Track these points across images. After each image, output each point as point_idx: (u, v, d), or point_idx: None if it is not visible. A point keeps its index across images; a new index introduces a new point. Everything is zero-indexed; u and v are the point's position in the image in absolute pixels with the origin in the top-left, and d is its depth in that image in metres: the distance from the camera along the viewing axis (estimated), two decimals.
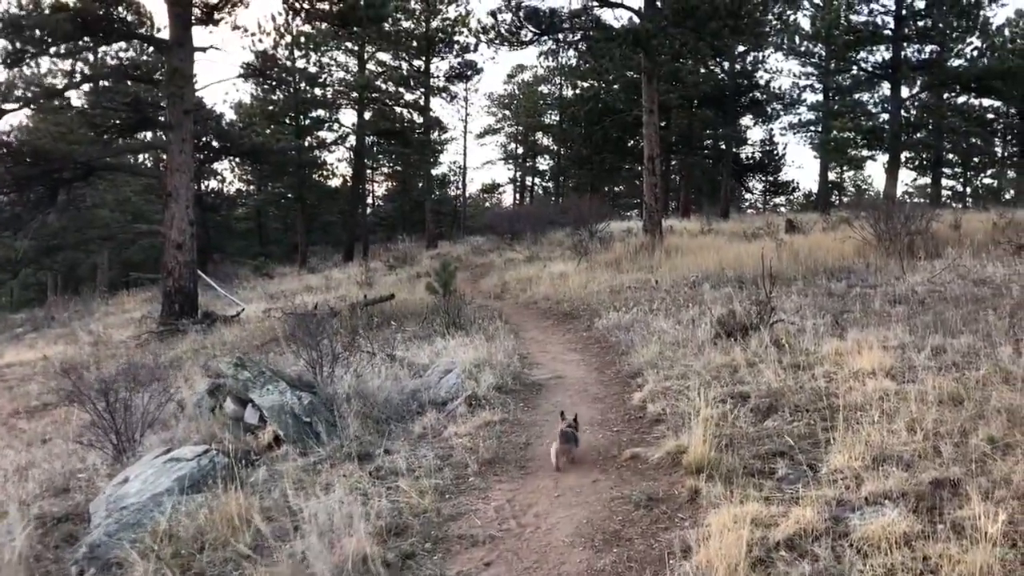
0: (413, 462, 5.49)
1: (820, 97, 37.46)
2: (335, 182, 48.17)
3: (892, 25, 27.20)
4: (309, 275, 29.66)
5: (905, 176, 52.65)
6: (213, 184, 51.88)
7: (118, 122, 19.64)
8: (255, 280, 30.46)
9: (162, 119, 20.38)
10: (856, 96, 33.12)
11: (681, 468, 4.87)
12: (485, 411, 6.65)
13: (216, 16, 19.05)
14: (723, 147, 42.55)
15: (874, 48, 28.45)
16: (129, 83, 21.63)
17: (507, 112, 56.61)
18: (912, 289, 10.60)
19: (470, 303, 14.42)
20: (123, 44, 19.69)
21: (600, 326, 10.64)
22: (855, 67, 29.76)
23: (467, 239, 36.53)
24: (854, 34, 27.12)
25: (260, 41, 34.54)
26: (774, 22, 32.64)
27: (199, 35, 67.66)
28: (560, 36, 19.81)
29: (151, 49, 20.49)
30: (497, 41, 20.32)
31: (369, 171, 55.08)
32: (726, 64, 38.98)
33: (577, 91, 46.78)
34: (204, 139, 29.70)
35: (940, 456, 4.45)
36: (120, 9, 18.92)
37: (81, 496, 6.11)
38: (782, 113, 40.86)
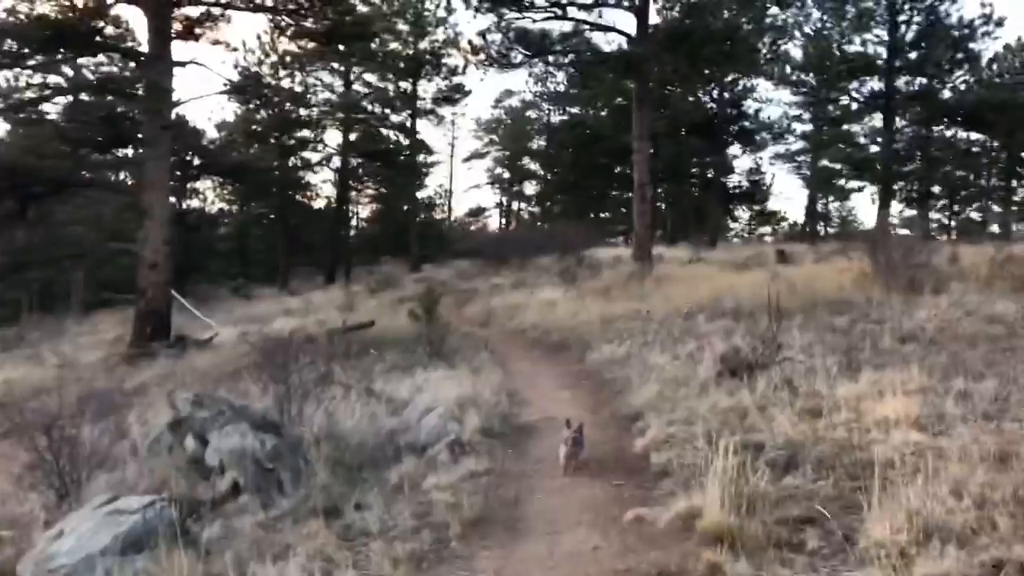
0: (387, 520, 4.83)
1: (810, 127, 37.36)
2: (320, 203, 47.66)
3: (885, 56, 27.00)
4: (289, 298, 28.93)
5: (891, 208, 52.62)
6: (195, 203, 51.53)
7: (93, 137, 18.97)
8: (234, 302, 29.70)
9: (140, 135, 19.74)
10: (846, 127, 32.90)
11: (695, 535, 4.23)
12: (470, 459, 5.98)
13: (197, 31, 18.50)
14: (710, 176, 42.34)
15: (866, 78, 28.22)
16: (107, 97, 21.00)
17: (494, 137, 56.27)
18: (920, 326, 10.06)
19: (455, 331, 13.80)
20: (101, 57, 19.08)
21: (593, 360, 10.03)
22: (848, 96, 29.49)
23: (452, 263, 35.90)
24: (847, 64, 26.88)
25: (245, 59, 33.93)
26: (765, 52, 32.53)
27: (183, 50, 67.06)
28: (551, 59, 19.26)
29: (131, 64, 19.90)
30: (487, 63, 19.88)
31: (354, 192, 54.48)
32: (715, 92, 38.79)
33: (565, 116, 46.51)
34: (185, 156, 28.94)
35: (997, 530, 3.84)
36: (101, 22, 18.34)
37: (12, 550, 5.40)
38: (770, 142, 40.72)
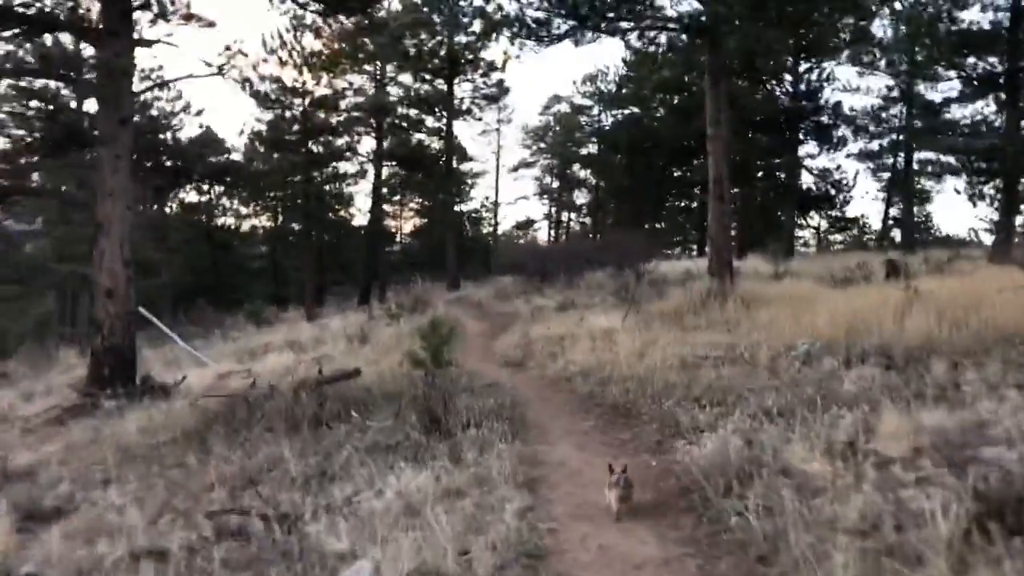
0: None
1: (898, 117, 32.76)
2: (361, 220, 44.25)
3: (1008, 26, 22.42)
4: (305, 324, 25.35)
5: (967, 210, 46.71)
6: (228, 220, 48.72)
7: (37, 134, 15.59)
8: (246, 329, 26.26)
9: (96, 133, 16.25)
10: (946, 115, 28.24)
11: None
12: None
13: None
14: (782, 177, 37.94)
15: (979, 56, 23.59)
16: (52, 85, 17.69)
17: (542, 144, 52.52)
18: None
19: (473, 382, 9.93)
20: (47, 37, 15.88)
21: (685, 452, 5.96)
22: (958, 74, 24.80)
23: (496, 280, 32.05)
24: (960, 37, 22.37)
25: (265, 61, 30.66)
26: (846, 33, 28.23)
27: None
28: (603, 26, 15.34)
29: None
30: (523, 34, 15.97)
31: (396, 207, 51.26)
32: (789, 84, 34.42)
33: (618, 117, 42.52)
34: (162, 159, 25.35)
35: None
36: None
37: None
38: (851, 139, 36.13)
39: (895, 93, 32.83)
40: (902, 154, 35.48)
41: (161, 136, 25.33)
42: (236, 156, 38.64)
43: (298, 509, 5.49)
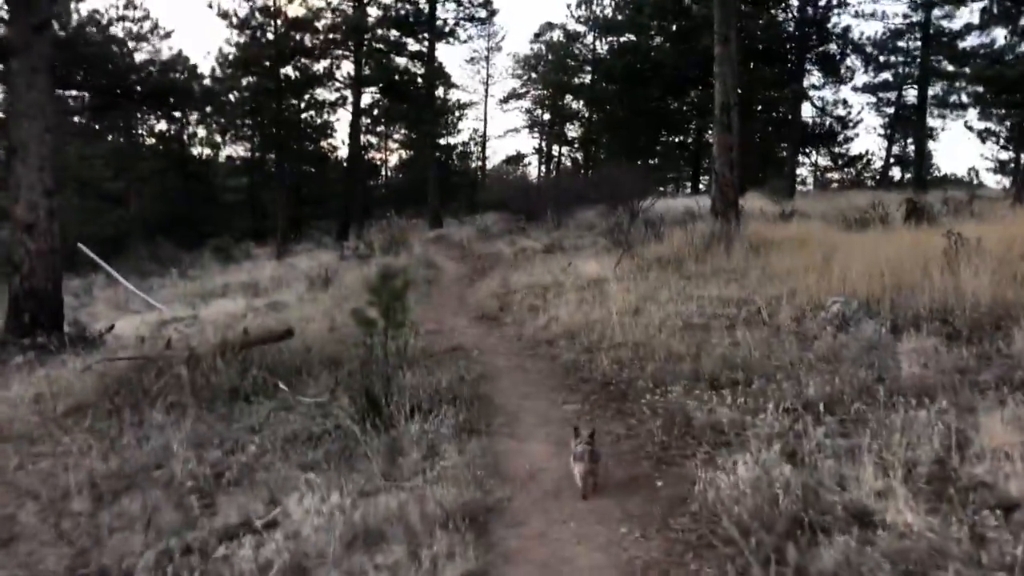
0: None
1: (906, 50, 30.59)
2: (344, 152, 41.89)
3: None
4: (273, 263, 23.51)
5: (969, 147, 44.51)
6: (203, 150, 46.36)
7: None
8: (209, 267, 24.42)
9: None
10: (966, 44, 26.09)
11: None
12: None
13: None
14: (782, 112, 35.87)
15: None
16: None
17: (533, 74, 49.95)
18: None
19: (431, 349, 8.21)
20: None
21: (711, 484, 4.14)
22: None
23: (482, 217, 30.09)
24: None
25: None
26: None
27: None
28: None
29: None
30: None
31: (380, 139, 48.95)
32: (794, 8, 32.11)
33: (613, 45, 40.09)
34: (90, 78, 22.85)
35: None
36: None
37: None
38: (859, 69, 33.97)
39: (916, 17, 30.49)
40: (911, 89, 33.44)
41: (94, 50, 22.79)
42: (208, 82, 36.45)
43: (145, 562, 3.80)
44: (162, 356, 7.97)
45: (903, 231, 13.32)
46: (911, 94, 35.26)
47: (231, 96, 34.66)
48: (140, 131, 42.39)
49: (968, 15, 25.61)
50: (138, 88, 21.93)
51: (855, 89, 39.33)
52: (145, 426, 6.39)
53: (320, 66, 34.60)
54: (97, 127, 38.07)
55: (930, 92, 31.48)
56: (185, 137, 43.63)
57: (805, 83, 34.79)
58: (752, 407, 5.05)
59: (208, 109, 31.39)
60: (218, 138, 43.70)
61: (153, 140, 43.36)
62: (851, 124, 36.62)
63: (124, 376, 7.94)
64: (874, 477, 3.67)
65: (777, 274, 10.34)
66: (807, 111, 36.51)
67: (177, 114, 41.36)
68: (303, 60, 33.50)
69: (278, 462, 5.21)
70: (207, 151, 45.99)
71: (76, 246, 16.94)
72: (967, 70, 24.06)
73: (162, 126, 41.90)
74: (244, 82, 33.52)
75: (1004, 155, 37.06)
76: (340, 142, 43.68)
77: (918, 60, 31.55)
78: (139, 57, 29.75)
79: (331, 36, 32.60)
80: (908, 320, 6.97)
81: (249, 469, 5.19)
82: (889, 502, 3.44)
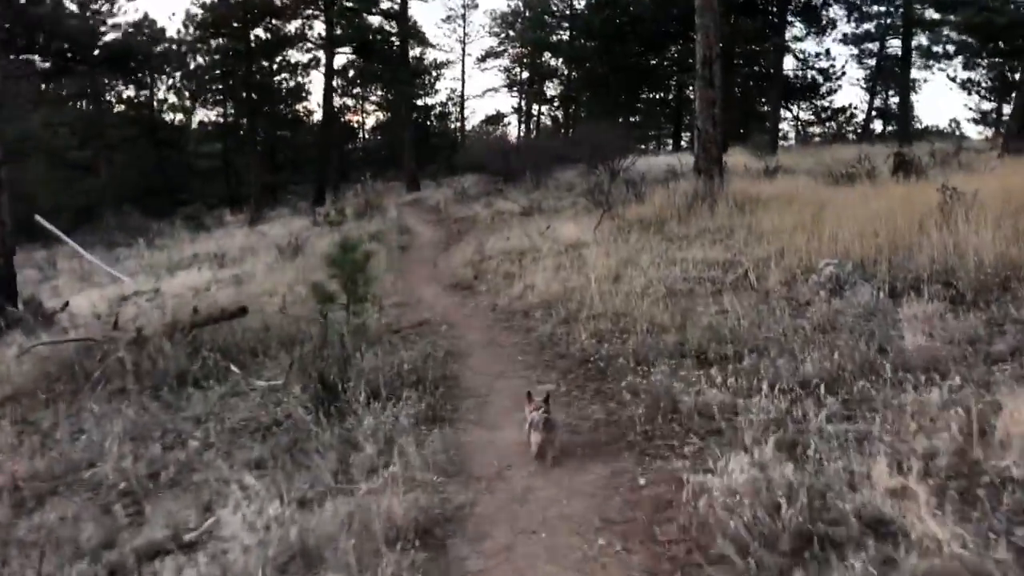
0: None
1: None
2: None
3: None
4: (243, 230, 22.78)
5: (950, 99, 43.71)
6: (175, 116, 45.11)
7: None
8: (179, 236, 23.65)
9: None
10: None
11: None
12: None
13: None
14: (763, 66, 35.14)
15: None
16: None
17: (511, 32, 48.74)
18: None
19: (397, 324, 7.66)
20: None
21: (701, 487, 3.63)
22: None
23: (461, 179, 29.32)
24: None
25: None
26: None
27: None
28: None
29: None
30: None
31: (356, 100, 47.81)
32: None
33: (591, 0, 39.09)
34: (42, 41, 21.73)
35: None
36: None
37: None
38: (841, 20, 33.25)
39: None
40: (894, 40, 32.78)
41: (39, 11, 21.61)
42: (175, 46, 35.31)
43: None
44: (108, 338, 7.40)
45: (892, 185, 12.86)
46: (894, 45, 34.76)
47: (199, 59, 33.56)
48: (108, 97, 41.20)
49: None
50: (94, 52, 20.90)
51: (837, 40, 38.68)
52: (83, 417, 5.86)
53: (291, 27, 33.59)
54: (63, 93, 36.77)
55: (914, 42, 30.82)
56: (155, 103, 42.47)
57: (787, 35, 34.14)
58: (744, 387, 4.55)
59: (175, 73, 30.26)
60: (189, 103, 42.60)
61: (122, 106, 42.20)
62: (834, 76, 36.02)
63: (68, 360, 7.38)
64: (888, 474, 3.19)
65: (764, 234, 9.86)
66: (789, 64, 35.91)
67: (144, 79, 40.34)
68: (273, 21, 32.45)
69: (220, 459, 4.69)
70: (179, 117, 44.95)
71: (34, 218, 16.17)
72: (953, 18, 23.42)
73: (130, 92, 40.69)
74: (213, 44, 32.40)
75: (986, 105, 36.70)
76: (316, 105, 42.64)
77: (901, 9, 30.88)
78: (98, 20, 28.62)
79: None
80: (907, 283, 6.50)
81: (188, 468, 4.68)
82: (908, 506, 2.95)
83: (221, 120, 42.56)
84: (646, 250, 9.92)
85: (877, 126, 40.29)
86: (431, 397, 5.18)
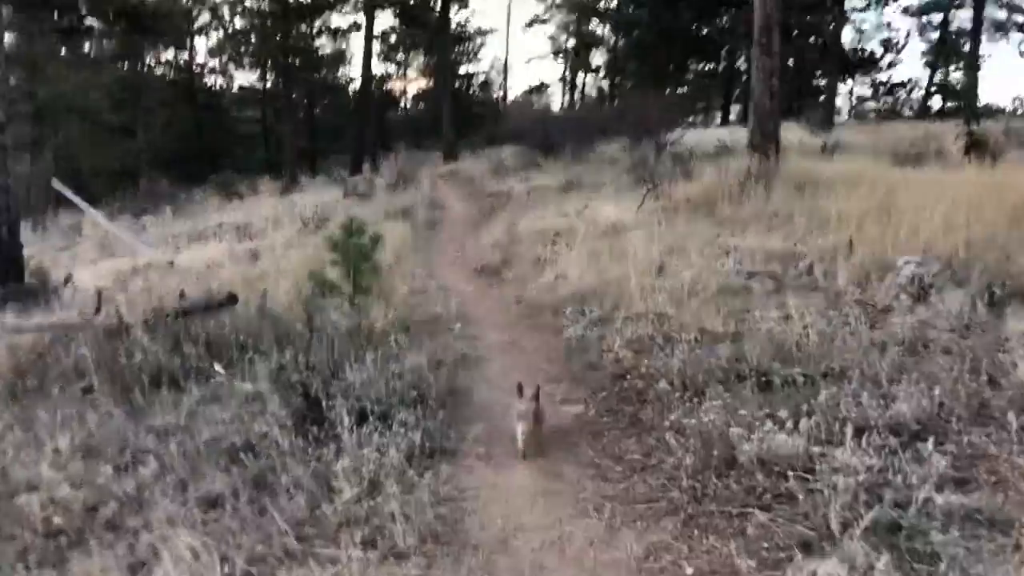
0: None
1: None
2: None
3: None
4: (273, 199, 22.08)
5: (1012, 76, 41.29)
6: (213, 81, 44.65)
7: None
8: (206, 204, 23.07)
9: None
10: None
11: None
12: None
13: None
14: (821, 36, 33.39)
15: None
16: None
17: None
18: None
19: (406, 319, 6.72)
20: None
21: None
22: None
23: (500, 151, 28.30)
24: None
25: None
26: None
27: None
28: None
29: None
30: None
31: (398, 67, 46.96)
32: None
33: None
34: None
35: None
36: None
37: None
38: None
39: None
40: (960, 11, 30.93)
41: None
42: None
43: None
44: (88, 324, 6.64)
45: (967, 168, 11.66)
46: (960, 16, 32.94)
47: (237, 23, 32.87)
48: (148, 61, 40.76)
49: None
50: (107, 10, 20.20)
51: (899, 11, 36.73)
52: (36, 426, 5.10)
53: None
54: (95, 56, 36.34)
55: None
56: (194, 67, 42.01)
57: (846, 5, 32.41)
58: (820, 431, 3.58)
59: (206, 35, 29.61)
60: (228, 67, 42.06)
61: (162, 71, 41.81)
62: (896, 48, 34.17)
63: (42, 348, 6.63)
64: None
65: (828, 221, 8.79)
66: (847, 36, 34.13)
67: (183, 40, 39.82)
68: None
69: (175, 491, 3.88)
70: (220, 81, 44.50)
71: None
72: None
73: (169, 55, 40.24)
74: (248, 4, 31.67)
75: None
76: (357, 72, 42.02)
77: None
78: None
79: None
80: (1008, 290, 5.44)
81: (135, 503, 3.86)
82: None
83: (259, 85, 42.03)
84: (694, 236, 8.91)
85: (936, 103, 38.48)
86: (432, 420, 4.29)
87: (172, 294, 7.76)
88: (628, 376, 4.94)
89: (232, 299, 6.42)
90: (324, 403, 4.44)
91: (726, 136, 17.28)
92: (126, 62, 38.93)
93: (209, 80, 43.95)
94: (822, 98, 33.81)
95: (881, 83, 37.20)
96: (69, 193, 15.54)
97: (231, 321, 6.46)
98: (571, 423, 4.43)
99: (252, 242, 13.54)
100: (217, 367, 5.73)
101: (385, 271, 7.36)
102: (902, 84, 37.01)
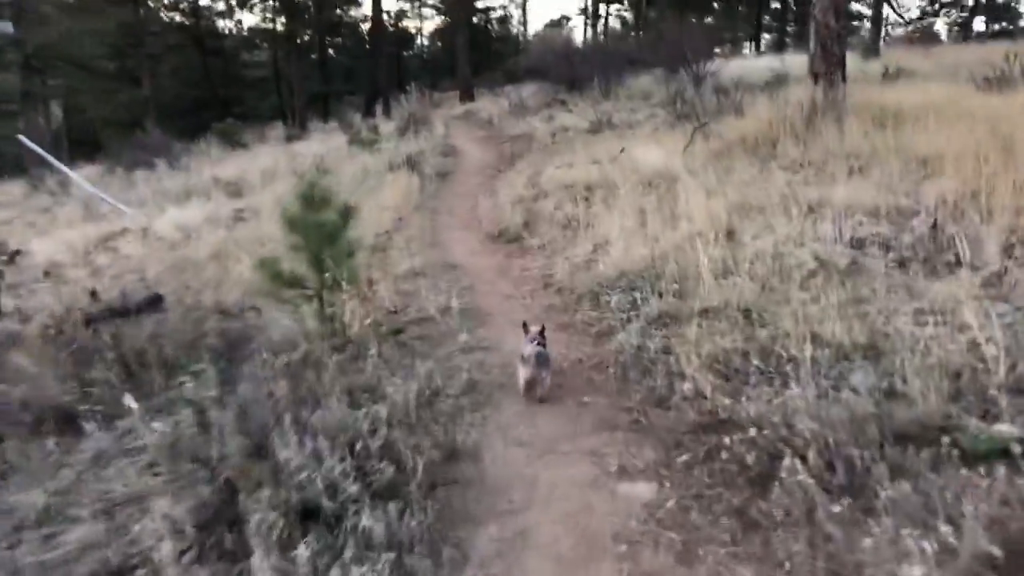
0: None
1: None
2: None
3: None
4: (278, 150, 20.32)
5: None
6: (222, 24, 42.51)
7: None
8: (206, 156, 21.38)
9: None
10: None
11: None
12: None
13: None
14: None
15: None
16: None
17: None
18: None
19: (397, 322, 5.04)
20: None
21: None
22: None
23: (518, 89, 26.20)
24: None
25: None
26: None
27: None
28: None
29: None
30: None
31: (413, 5, 44.66)
32: None
33: None
34: None
35: None
36: None
37: None
38: None
39: None
40: None
41: None
42: None
43: None
44: None
45: None
46: None
47: None
48: (150, 3, 38.63)
49: None
50: None
51: None
52: None
53: None
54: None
55: None
56: (200, 8, 39.88)
57: None
58: None
59: None
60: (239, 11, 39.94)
61: (167, 13, 39.76)
62: None
63: None
64: None
65: (926, 162, 6.97)
66: None
67: None
68: None
69: None
70: (228, 24, 42.43)
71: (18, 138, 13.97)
72: None
73: None
74: None
75: None
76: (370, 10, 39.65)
77: None
78: None
79: None
80: None
81: None
82: None
83: (270, 27, 39.86)
84: (760, 185, 7.11)
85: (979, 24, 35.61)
86: (417, 518, 2.63)
87: (123, 277, 6.18)
88: (716, 428, 3.21)
89: (158, 299, 4.76)
90: (241, 496, 2.80)
91: (778, 64, 15.22)
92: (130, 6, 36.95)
93: (217, 24, 41.96)
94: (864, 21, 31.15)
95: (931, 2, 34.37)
96: (38, 149, 13.89)
97: (160, 328, 4.82)
98: (640, 525, 2.72)
99: (243, 200, 11.91)
100: (130, 401, 4.11)
101: (374, 249, 5.69)
102: (953, 2, 34.14)
